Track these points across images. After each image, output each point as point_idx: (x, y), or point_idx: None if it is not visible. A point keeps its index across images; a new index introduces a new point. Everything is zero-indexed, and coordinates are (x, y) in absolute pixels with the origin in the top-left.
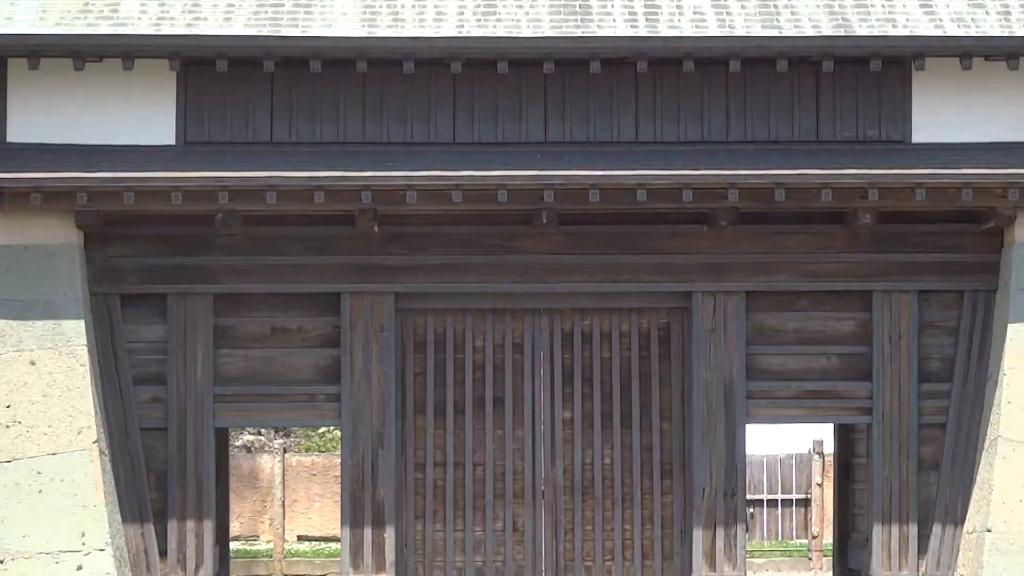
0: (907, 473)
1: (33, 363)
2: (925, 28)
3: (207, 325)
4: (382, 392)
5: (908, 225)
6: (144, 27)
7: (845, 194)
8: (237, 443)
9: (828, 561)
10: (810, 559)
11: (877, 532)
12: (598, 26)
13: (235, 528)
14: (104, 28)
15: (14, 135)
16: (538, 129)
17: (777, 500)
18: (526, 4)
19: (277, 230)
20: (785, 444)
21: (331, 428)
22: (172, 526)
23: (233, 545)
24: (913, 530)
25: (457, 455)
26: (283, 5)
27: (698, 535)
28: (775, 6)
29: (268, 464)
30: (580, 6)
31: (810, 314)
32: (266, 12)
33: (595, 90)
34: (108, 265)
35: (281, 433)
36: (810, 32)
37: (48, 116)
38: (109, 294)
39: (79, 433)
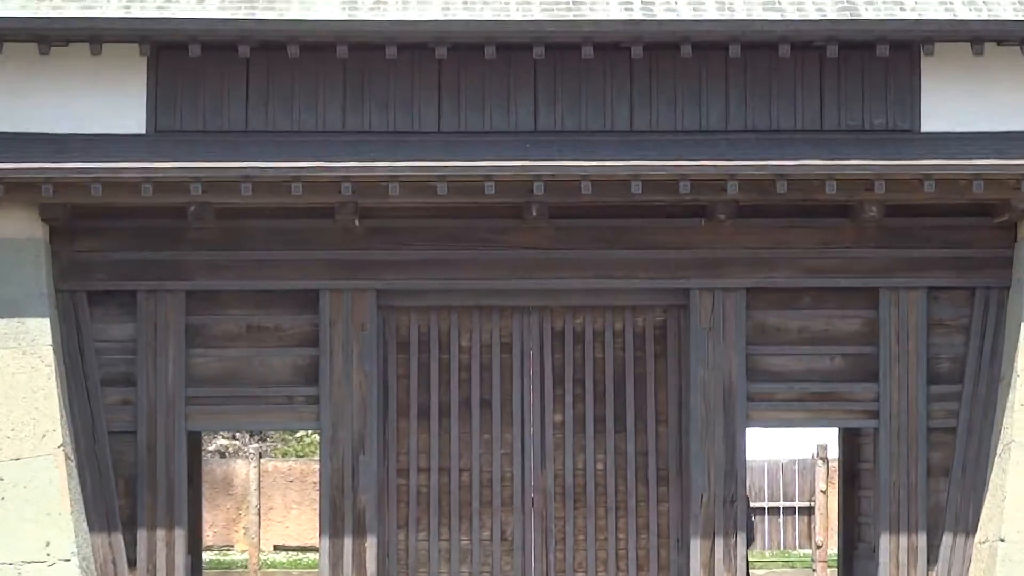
0: (916, 479)
1: None
2: (934, 11)
3: (179, 323)
4: (363, 394)
5: (916, 219)
6: (113, 10)
7: (850, 186)
8: (210, 447)
9: (833, 572)
10: (814, 570)
11: (884, 542)
12: (591, 8)
13: (208, 537)
14: (71, 11)
15: None
16: (527, 117)
17: (779, 508)
18: None
19: (253, 224)
20: (787, 449)
21: (309, 432)
22: (141, 535)
23: (206, 555)
24: (922, 540)
25: (442, 460)
26: None
27: (696, 544)
28: None
29: (243, 470)
30: None
31: (813, 312)
32: None
33: (587, 76)
34: (75, 260)
35: (257, 437)
36: (814, 15)
37: (12, 103)
38: (76, 291)
39: (43, 437)
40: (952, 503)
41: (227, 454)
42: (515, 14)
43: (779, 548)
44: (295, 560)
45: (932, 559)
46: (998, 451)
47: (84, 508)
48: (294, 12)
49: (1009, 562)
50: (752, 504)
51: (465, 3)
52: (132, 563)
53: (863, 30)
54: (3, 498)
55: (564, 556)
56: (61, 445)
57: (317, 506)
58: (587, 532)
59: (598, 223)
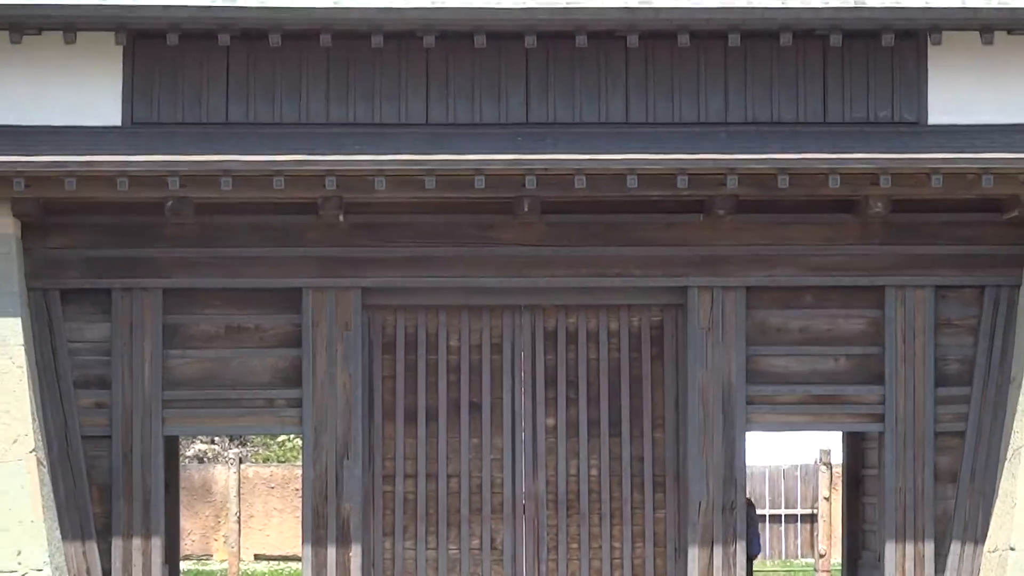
0: (922, 485)
1: None
2: None
3: (155, 323)
4: (347, 397)
5: (923, 214)
6: None
7: (855, 180)
8: (188, 452)
9: None
10: None
11: (890, 550)
12: None
13: (186, 546)
14: None
15: None
16: (519, 109)
17: (781, 515)
18: None
19: (233, 219)
20: (789, 454)
21: (291, 436)
22: (117, 543)
23: (184, 565)
24: (929, 548)
25: (430, 465)
26: None
27: (694, 553)
28: None
29: (222, 475)
30: None
31: (816, 311)
32: None
33: (581, 66)
34: (48, 257)
35: (236, 442)
36: (817, 2)
37: None
38: (49, 289)
39: (15, 442)
40: (960, 510)
41: (206, 459)
42: (506, 1)
43: (781, 557)
44: (276, 570)
45: (939, 568)
46: (1008, 456)
47: (57, 515)
48: None
49: (1020, 572)
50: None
51: None
52: (107, 573)
53: (868, 18)
54: None
55: (557, 565)
56: (33, 450)
57: (300, 513)
58: (581, 540)
59: (592, 219)
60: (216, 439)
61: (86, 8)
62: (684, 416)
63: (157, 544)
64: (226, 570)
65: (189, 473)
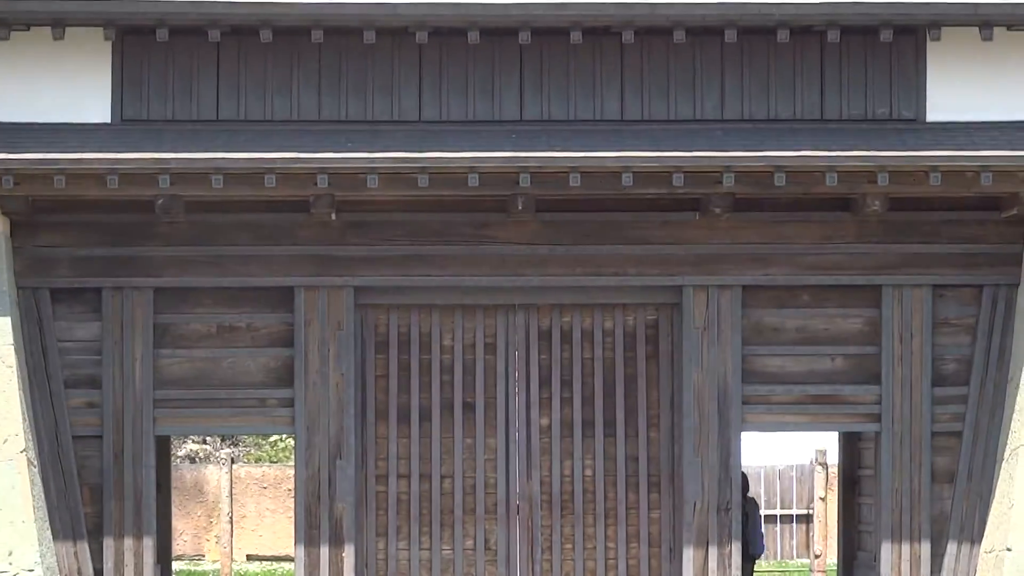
0: (919, 486)
1: None
2: None
3: (146, 322)
4: (340, 396)
5: (922, 213)
6: None
7: (852, 179)
8: (180, 452)
9: None
10: None
11: (886, 551)
12: None
13: (178, 546)
14: None
15: None
16: (513, 106)
17: (776, 516)
18: None
19: (224, 218)
20: (785, 454)
21: (284, 436)
22: (108, 544)
23: (176, 565)
24: (926, 549)
25: (423, 466)
26: None
27: (688, 554)
28: None
29: (214, 476)
30: None
31: (813, 311)
32: None
33: (576, 63)
34: (37, 256)
35: (228, 442)
36: None
37: None
38: (38, 288)
39: (5, 442)
40: (957, 511)
41: (198, 459)
42: None
43: (776, 558)
44: (269, 570)
45: (935, 569)
46: (1005, 456)
47: (48, 516)
48: None
49: (1017, 573)
50: None
51: None
52: (99, 573)
53: (866, 14)
54: None
55: (551, 566)
56: (24, 450)
57: (292, 514)
58: (575, 541)
59: (587, 217)
60: (208, 439)
61: (75, 4)
62: (679, 416)
63: (149, 544)
64: (218, 570)
65: (181, 473)
